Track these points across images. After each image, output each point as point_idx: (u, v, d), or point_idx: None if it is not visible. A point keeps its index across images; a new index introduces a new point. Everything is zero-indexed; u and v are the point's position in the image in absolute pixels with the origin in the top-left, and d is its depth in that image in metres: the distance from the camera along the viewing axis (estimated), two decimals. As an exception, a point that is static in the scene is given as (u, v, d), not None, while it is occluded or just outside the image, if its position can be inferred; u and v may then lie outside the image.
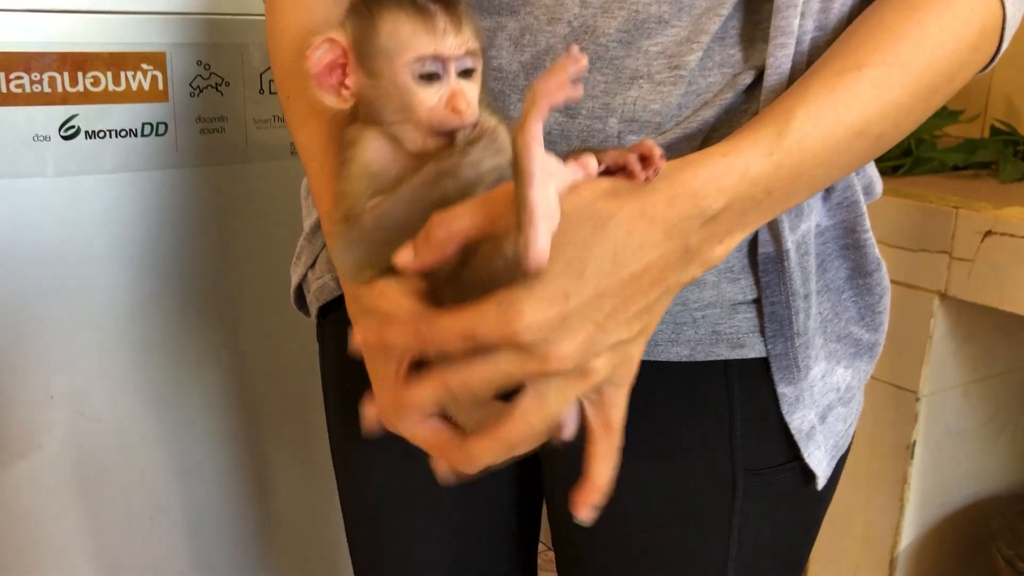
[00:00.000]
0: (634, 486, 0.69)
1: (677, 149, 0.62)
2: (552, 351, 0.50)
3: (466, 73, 0.56)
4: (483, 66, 0.57)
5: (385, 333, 0.54)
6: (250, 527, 1.34)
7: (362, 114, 0.58)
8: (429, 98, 0.55)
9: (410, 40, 0.54)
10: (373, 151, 0.57)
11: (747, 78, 0.62)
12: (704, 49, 0.61)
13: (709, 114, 0.62)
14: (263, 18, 1.17)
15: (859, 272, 0.71)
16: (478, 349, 0.51)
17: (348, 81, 0.57)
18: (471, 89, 0.56)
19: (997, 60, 0.65)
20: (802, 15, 0.61)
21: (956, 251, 1.20)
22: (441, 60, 0.54)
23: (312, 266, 0.81)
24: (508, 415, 0.53)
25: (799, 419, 0.68)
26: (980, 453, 1.38)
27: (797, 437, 0.68)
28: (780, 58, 0.61)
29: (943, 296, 1.22)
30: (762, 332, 0.66)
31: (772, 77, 0.61)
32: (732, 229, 0.56)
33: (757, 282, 0.65)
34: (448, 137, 0.55)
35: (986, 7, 0.61)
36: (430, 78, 0.55)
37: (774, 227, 0.64)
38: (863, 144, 0.59)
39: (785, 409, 0.67)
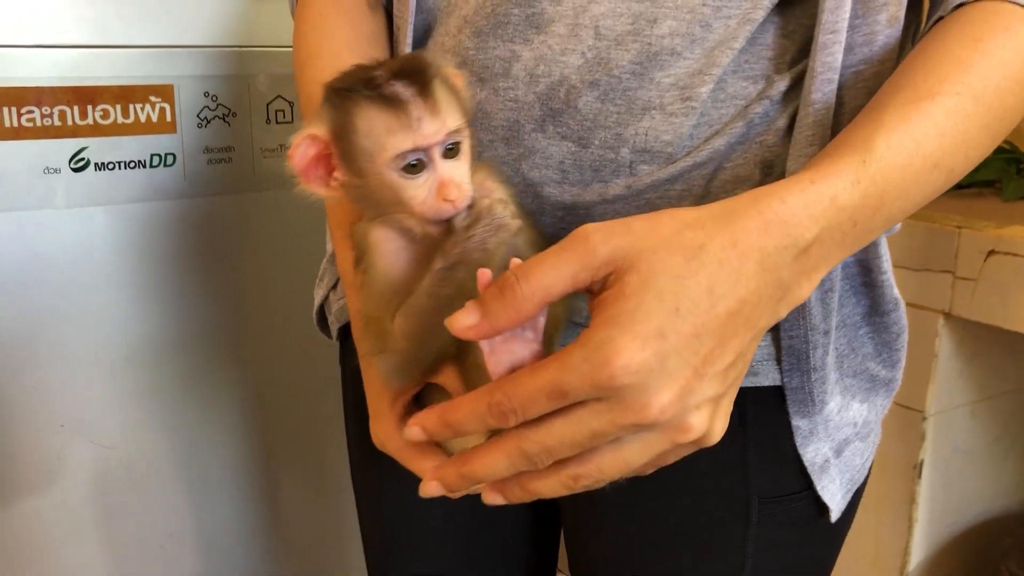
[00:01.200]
0: (648, 513, 0.70)
1: (688, 178, 0.63)
2: (653, 399, 0.46)
3: (451, 151, 0.55)
4: (469, 136, 0.56)
5: (450, 417, 0.50)
6: (263, 553, 1.34)
7: (360, 207, 0.58)
8: (418, 192, 0.54)
9: (387, 138, 0.52)
10: (387, 254, 0.57)
11: (758, 108, 0.63)
12: (716, 81, 0.62)
13: (720, 143, 0.62)
14: (269, 49, 1.19)
15: (876, 310, 0.70)
16: (564, 405, 0.46)
17: (336, 173, 0.56)
18: (459, 169, 0.55)
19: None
20: (847, 49, 0.61)
21: (960, 270, 1.20)
22: (422, 150, 0.54)
23: (334, 287, 0.82)
24: (581, 457, 0.49)
25: (812, 452, 0.68)
26: (988, 472, 1.38)
27: (811, 470, 0.67)
28: (827, 92, 0.61)
29: (948, 315, 1.22)
30: (777, 361, 0.66)
31: (819, 110, 0.61)
32: (819, 264, 0.53)
33: (775, 338, 0.65)
34: (446, 223, 0.55)
35: None
36: (415, 168, 0.54)
37: None
38: (937, 177, 0.57)
39: (799, 442, 0.67)
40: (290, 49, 1.20)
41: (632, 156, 0.62)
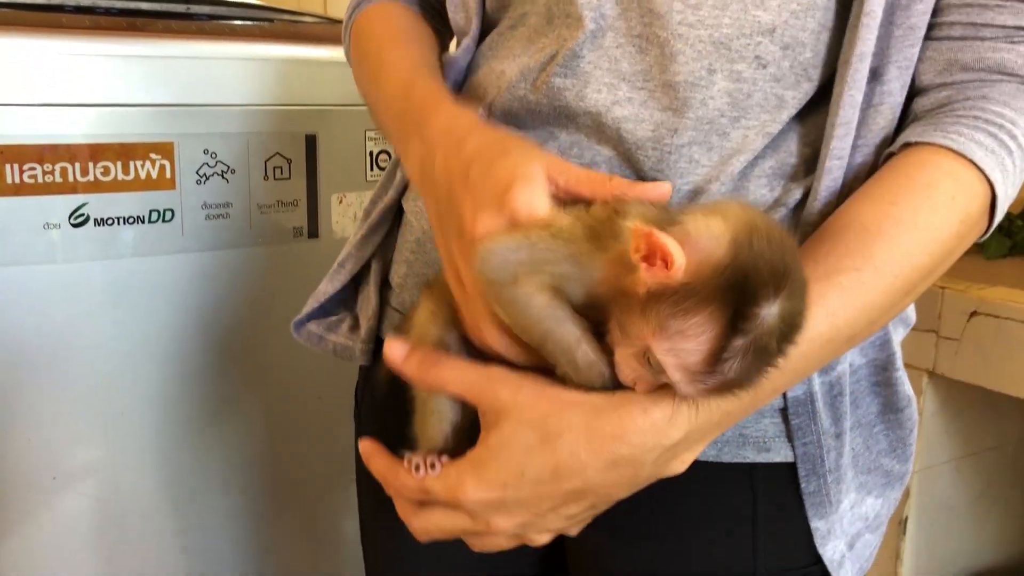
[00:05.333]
0: None
1: None
2: (493, 522, 0.58)
3: None
4: None
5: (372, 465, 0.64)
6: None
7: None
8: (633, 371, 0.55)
9: (685, 344, 0.51)
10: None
11: (775, 215, 0.64)
12: (733, 182, 0.63)
13: None
14: (268, 108, 1.21)
15: (890, 408, 0.71)
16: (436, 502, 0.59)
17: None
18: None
19: (991, 232, 0.64)
20: (854, 147, 0.62)
21: (943, 330, 1.23)
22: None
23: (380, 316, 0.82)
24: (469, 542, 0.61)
25: (831, 550, 0.69)
26: (972, 527, 1.39)
27: (830, 567, 0.69)
28: (826, 210, 0.62)
29: (932, 374, 1.25)
30: (788, 438, 0.67)
31: (823, 197, 0.62)
32: (691, 449, 0.57)
33: (786, 417, 0.66)
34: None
35: (971, 193, 0.59)
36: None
37: None
38: (833, 348, 0.58)
39: (818, 541, 0.68)
40: (287, 108, 1.23)
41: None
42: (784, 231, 0.52)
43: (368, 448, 0.64)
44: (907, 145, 0.61)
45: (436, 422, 0.64)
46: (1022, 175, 0.62)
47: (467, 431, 0.63)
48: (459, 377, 0.59)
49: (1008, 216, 1.48)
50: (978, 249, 1.44)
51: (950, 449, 1.31)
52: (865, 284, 0.57)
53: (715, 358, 0.49)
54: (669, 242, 0.49)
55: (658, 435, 0.54)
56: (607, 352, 0.55)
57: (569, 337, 0.55)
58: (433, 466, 0.60)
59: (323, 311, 0.85)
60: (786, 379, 0.58)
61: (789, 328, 0.50)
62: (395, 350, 0.61)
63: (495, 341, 0.59)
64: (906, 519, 1.29)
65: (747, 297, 0.49)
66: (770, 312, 0.49)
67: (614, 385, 0.55)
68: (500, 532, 0.58)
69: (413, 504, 0.61)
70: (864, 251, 0.57)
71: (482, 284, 0.57)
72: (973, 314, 1.19)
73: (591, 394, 0.55)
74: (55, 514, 1.16)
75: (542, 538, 0.60)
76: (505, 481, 0.56)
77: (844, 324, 0.57)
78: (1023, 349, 1.14)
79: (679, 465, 0.58)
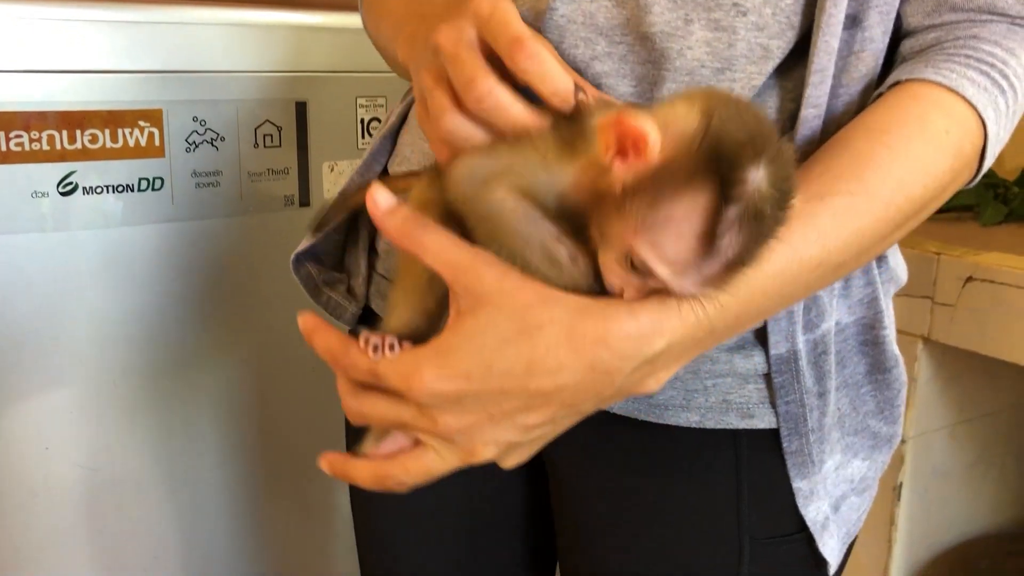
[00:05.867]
0: (640, 549, 0.71)
1: None
2: (440, 419, 0.53)
3: None
4: None
5: (318, 342, 0.57)
6: (249, 574, 1.34)
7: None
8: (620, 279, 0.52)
9: (676, 243, 0.48)
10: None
11: None
12: None
13: None
14: (257, 74, 1.20)
15: (878, 368, 0.70)
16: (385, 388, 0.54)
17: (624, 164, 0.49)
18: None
19: (981, 176, 0.63)
20: (835, 95, 0.61)
21: (938, 296, 1.22)
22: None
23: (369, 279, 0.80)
24: (393, 455, 0.57)
25: (814, 511, 0.68)
26: (967, 494, 1.39)
27: (812, 528, 0.68)
28: (805, 132, 0.61)
29: (927, 340, 1.24)
30: (772, 404, 0.66)
31: (801, 147, 0.61)
32: (669, 365, 0.55)
33: (769, 383, 0.65)
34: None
35: (964, 128, 0.59)
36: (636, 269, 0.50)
37: (786, 329, 0.63)
38: (821, 273, 0.57)
39: (800, 502, 0.67)
40: (277, 74, 1.22)
41: None
42: (754, 105, 0.50)
43: (310, 323, 0.57)
44: (897, 84, 0.60)
45: (407, 303, 0.59)
46: (1015, 116, 0.62)
47: (437, 323, 0.58)
48: (442, 248, 0.53)
49: (1004, 183, 1.47)
50: (974, 216, 1.43)
51: (945, 415, 1.31)
52: (858, 209, 0.56)
53: (710, 238, 0.46)
54: (641, 121, 0.46)
55: (641, 342, 0.51)
56: (590, 255, 0.52)
57: (546, 234, 0.51)
58: (392, 347, 0.55)
59: (321, 259, 0.82)
60: (773, 303, 0.56)
61: (781, 193, 0.47)
62: (381, 200, 0.54)
63: None
64: (901, 485, 1.29)
65: (730, 163, 0.45)
66: (757, 175, 0.45)
67: (600, 288, 0.52)
68: (443, 433, 0.53)
69: (355, 384, 0.56)
70: (858, 175, 0.56)
71: (458, 203, 0.53)
72: (968, 280, 1.19)
73: (578, 295, 0.52)
74: (48, 484, 1.16)
75: (484, 451, 0.54)
76: (469, 372, 0.51)
77: (835, 248, 0.56)
78: (1019, 315, 1.14)
79: (653, 383, 0.55)
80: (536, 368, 0.51)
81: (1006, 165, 1.59)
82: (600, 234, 0.50)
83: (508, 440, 0.55)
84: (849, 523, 0.72)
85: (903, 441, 1.28)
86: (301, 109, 1.23)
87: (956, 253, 1.21)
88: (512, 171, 0.52)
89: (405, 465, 0.56)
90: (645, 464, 0.69)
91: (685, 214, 0.46)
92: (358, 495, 0.87)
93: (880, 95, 0.61)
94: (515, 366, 0.51)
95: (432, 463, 0.56)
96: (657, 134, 0.46)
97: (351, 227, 0.81)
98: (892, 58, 0.65)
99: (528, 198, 0.52)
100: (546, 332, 0.51)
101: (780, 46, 0.61)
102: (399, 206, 0.54)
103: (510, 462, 0.57)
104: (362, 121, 1.29)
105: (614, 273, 0.50)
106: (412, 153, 0.74)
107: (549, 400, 0.53)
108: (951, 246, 1.24)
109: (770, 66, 0.61)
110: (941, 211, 1.46)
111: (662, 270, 0.48)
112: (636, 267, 0.49)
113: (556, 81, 0.53)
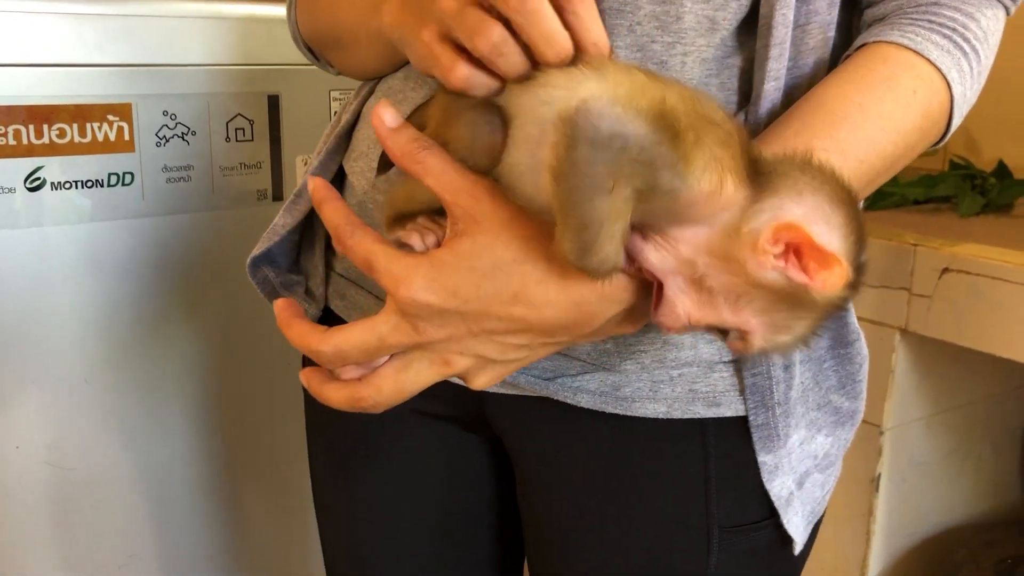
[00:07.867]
0: (609, 541, 0.70)
1: None
2: (420, 325, 0.53)
3: None
4: None
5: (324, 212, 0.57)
6: (224, 573, 1.34)
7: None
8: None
9: None
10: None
11: None
12: None
13: None
14: (228, 68, 1.18)
15: (840, 342, 0.71)
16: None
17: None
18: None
19: (948, 138, 0.65)
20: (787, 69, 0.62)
21: (916, 288, 1.22)
22: None
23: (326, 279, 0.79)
24: (366, 376, 0.57)
25: (779, 486, 0.68)
26: (944, 484, 1.40)
27: (777, 504, 0.68)
28: (767, 105, 0.62)
29: (904, 332, 1.24)
30: (740, 391, 0.66)
31: (763, 122, 0.62)
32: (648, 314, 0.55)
33: (737, 369, 0.66)
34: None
35: (931, 89, 0.60)
36: None
37: None
38: None
39: (765, 477, 0.68)
40: (249, 67, 1.20)
41: None
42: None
43: (321, 190, 0.57)
44: (864, 46, 0.62)
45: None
46: (979, 78, 0.63)
47: None
48: (445, 171, 0.53)
49: (982, 175, 1.47)
50: (951, 207, 1.43)
51: (922, 406, 1.31)
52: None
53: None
54: (837, 256, 0.48)
55: (629, 291, 0.53)
56: (636, 272, 0.52)
57: (620, 242, 0.48)
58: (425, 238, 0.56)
59: (277, 262, 0.81)
60: None
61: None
62: (387, 117, 0.54)
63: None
64: (879, 476, 1.29)
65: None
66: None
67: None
68: (422, 340, 0.54)
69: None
70: (832, 134, 0.58)
71: (564, 144, 0.47)
72: (945, 271, 1.18)
73: None
74: (20, 484, 1.15)
75: (459, 361, 0.56)
76: (457, 290, 0.52)
77: None
78: (995, 306, 1.14)
79: (629, 327, 0.57)
80: (522, 298, 0.52)
81: (984, 156, 1.59)
82: (690, 268, 0.51)
83: (484, 354, 0.55)
84: (814, 500, 0.72)
85: (881, 432, 1.28)
86: (274, 102, 1.22)
87: (933, 244, 1.21)
88: (645, 168, 0.46)
89: (378, 385, 0.56)
90: (612, 457, 0.69)
91: (800, 325, 0.51)
92: (323, 496, 0.87)
93: (848, 56, 0.63)
94: (503, 292, 0.52)
95: (405, 380, 0.56)
96: (847, 275, 0.48)
97: (306, 228, 0.80)
98: (851, 32, 0.66)
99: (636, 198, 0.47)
100: (539, 266, 0.52)
101: (726, 17, 0.61)
102: (405, 125, 0.55)
103: (481, 380, 0.57)
104: (335, 114, 1.28)
105: (679, 306, 0.51)
106: (369, 148, 0.73)
107: (527, 329, 0.54)
108: (928, 237, 1.24)
109: (718, 38, 0.62)
110: (919, 202, 1.46)
111: (757, 342, 0.52)
112: (724, 332, 0.52)
113: (601, 32, 0.52)
